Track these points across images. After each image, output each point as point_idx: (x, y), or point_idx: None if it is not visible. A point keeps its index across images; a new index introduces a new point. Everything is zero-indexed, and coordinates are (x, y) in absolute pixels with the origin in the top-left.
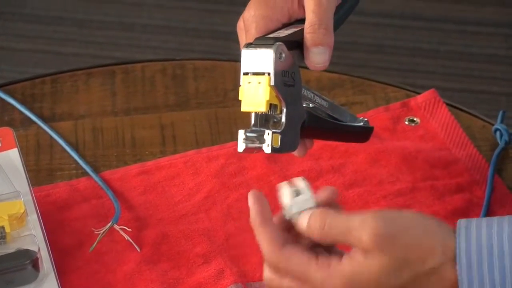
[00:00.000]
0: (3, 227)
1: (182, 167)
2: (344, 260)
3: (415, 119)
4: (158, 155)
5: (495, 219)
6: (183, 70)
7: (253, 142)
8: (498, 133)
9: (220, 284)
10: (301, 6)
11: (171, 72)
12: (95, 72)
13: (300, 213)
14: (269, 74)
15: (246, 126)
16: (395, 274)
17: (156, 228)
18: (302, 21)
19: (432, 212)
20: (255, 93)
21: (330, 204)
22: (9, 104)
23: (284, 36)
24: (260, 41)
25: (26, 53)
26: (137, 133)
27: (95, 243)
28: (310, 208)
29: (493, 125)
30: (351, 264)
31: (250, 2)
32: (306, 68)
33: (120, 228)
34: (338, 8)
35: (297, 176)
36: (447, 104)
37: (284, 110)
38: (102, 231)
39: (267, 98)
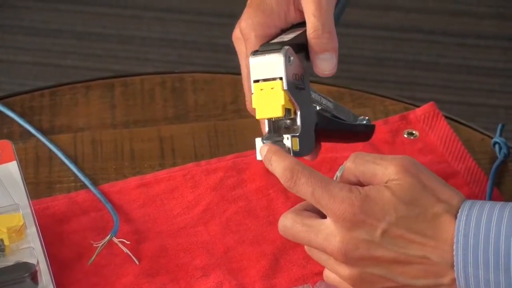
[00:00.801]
0: (2, 240)
1: (181, 180)
2: (366, 187)
3: (414, 132)
4: (157, 168)
5: (498, 204)
6: (182, 83)
7: None
8: (497, 146)
9: None
10: (298, 10)
11: (170, 85)
12: (94, 85)
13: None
14: (281, 78)
15: (245, 138)
16: (407, 202)
17: (155, 241)
18: (299, 25)
19: None
20: (269, 99)
21: None
22: (8, 116)
23: (288, 40)
24: (266, 47)
25: (25, 65)
26: (136, 145)
27: (94, 256)
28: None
29: (492, 138)
30: (375, 189)
31: (244, 12)
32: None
33: (119, 241)
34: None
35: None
36: (446, 117)
37: (299, 113)
38: (101, 244)
39: (282, 102)
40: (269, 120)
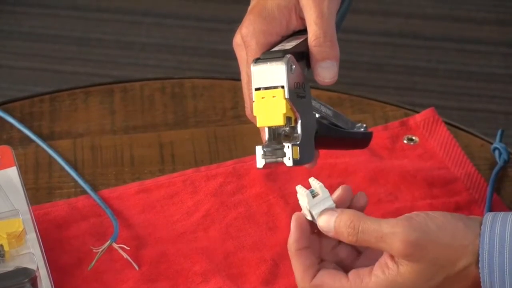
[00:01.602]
0: (1, 246)
1: (180, 186)
2: (376, 271)
3: (413, 138)
4: (156, 173)
5: None
6: (182, 89)
7: (271, 157)
8: (497, 152)
9: None
10: (299, 17)
11: (170, 91)
12: (94, 90)
13: (321, 212)
14: (282, 87)
15: (244, 144)
16: (428, 279)
17: (155, 247)
18: (300, 32)
19: None
20: (270, 107)
21: (344, 202)
22: (7, 122)
23: (290, 48)
24: (268, 55)
25: (24, 71)
26: (136, 151)
27: (93, 262)
28: (330, 207)
29: (491, 143)
30: (384, 274)
31: (245, 18)
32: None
33: (119, 247)
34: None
35: (295, 195)
36: (446, 123)
37: (299, 121)
38: (100, 250)
39: (284, 111)
40: (269, 127)
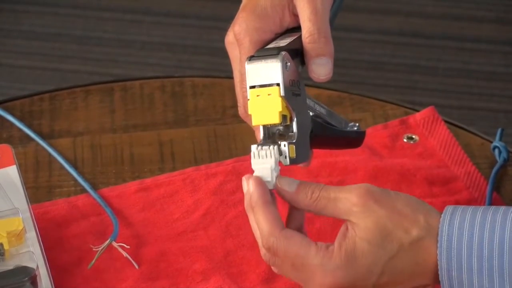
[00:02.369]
0: (1, 244)
1: (180, 184)
2: (339, 240)
3: (413, 136)
4: (156, 172)
5: (480, 209)
6: (182, 87)
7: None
8: (496, 150)
9: None
10: (293, 14)
11: (170, 89)
12: (94, 89)
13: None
14: (277, 85)
15: (244, 143)
16: (383, 246)
17: (155, 245)
18: (294, 29)
19: None
20: (265, 105)
21: None
22: (7, 121)
23: (284, 46)
24: (263, 53)
25: (24, 69)
26: (136, 150)
27: (93, 260)
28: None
29: (491, 142)
30: (347, 242)
31: (238, 16)
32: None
33: (119, 245)
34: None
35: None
36: (446, 122)
37: (295, 119)
38: (100, 248)
39: (280, 109)
40: (264, 126)
